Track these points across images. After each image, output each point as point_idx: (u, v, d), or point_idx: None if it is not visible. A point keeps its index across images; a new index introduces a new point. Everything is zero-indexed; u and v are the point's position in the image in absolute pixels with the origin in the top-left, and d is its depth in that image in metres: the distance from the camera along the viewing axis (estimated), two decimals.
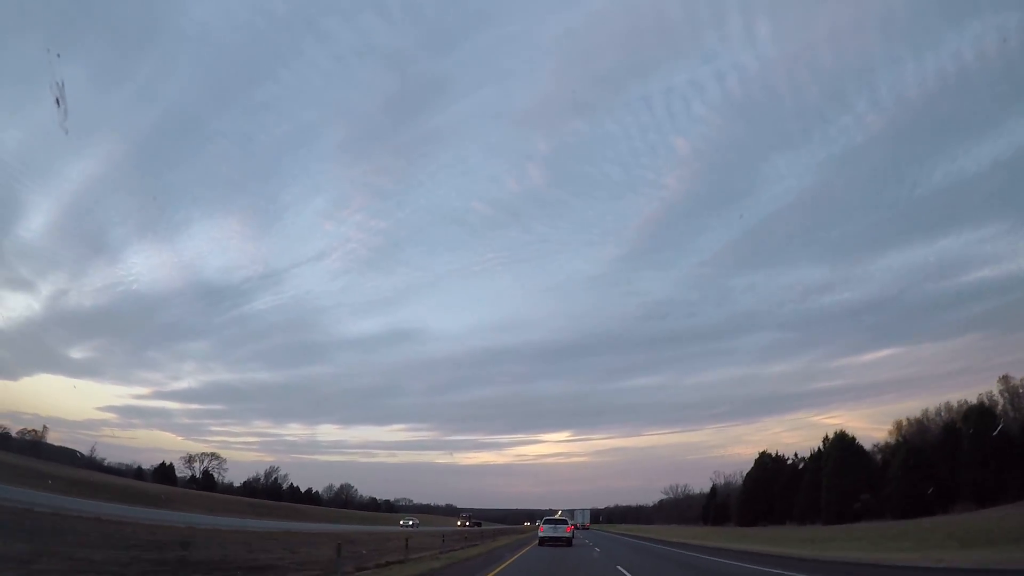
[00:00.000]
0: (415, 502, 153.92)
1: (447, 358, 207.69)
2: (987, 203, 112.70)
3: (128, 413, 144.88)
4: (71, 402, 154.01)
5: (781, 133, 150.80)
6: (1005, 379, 59.02)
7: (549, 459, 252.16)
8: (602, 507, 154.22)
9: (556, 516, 47.75)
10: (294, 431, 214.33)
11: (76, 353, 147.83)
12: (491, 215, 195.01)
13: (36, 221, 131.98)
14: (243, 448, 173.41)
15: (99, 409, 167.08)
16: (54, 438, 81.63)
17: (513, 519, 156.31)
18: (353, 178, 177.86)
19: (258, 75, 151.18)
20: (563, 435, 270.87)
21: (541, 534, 31.84)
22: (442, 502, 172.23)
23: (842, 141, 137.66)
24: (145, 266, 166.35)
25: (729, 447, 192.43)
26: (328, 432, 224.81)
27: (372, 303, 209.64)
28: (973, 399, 59.03)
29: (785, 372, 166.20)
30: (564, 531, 31.74)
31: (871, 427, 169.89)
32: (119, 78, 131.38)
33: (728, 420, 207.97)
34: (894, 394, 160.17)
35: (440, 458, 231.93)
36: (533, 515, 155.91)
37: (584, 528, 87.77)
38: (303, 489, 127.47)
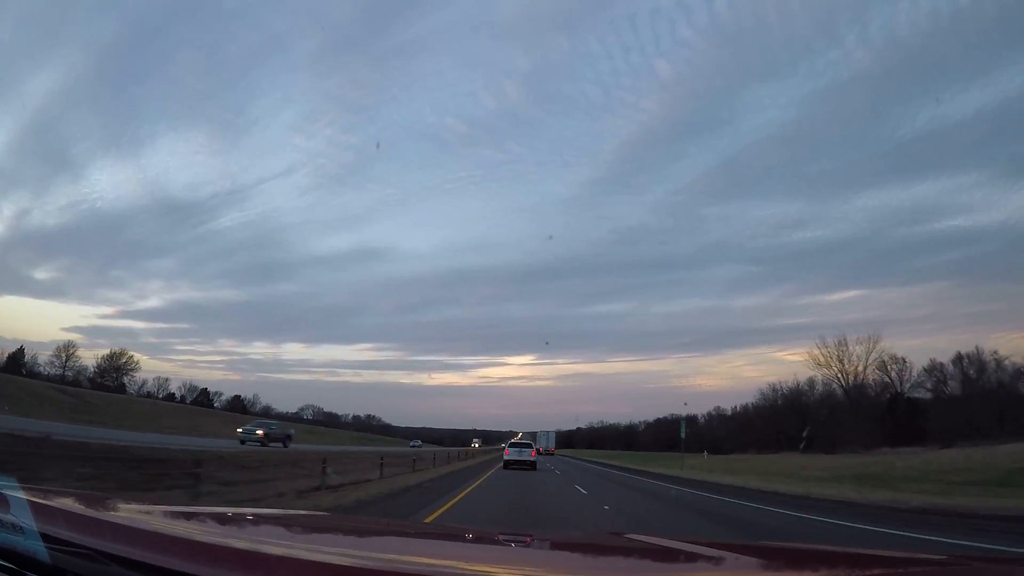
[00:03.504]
0: (382, 421, 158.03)
1: (415, 278, 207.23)
2: (967, 152, 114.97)
3: (94, 333, 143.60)
4: (36, 323, 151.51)
5: (767, 62, 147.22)
6: None
7: (513, 382, 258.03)
8: (566, 431, 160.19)
9: (519, 440, 49.46)
10: (260, 350, 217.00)
11: (40, 274, 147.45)
12: (466, 132, 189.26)
13: None
14: (208, 367, 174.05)
15: (64, 330, 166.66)
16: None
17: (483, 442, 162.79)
18: (325, 91, 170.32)
19: None
20: (527, 359, 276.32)
21: (506, 458, 32.52)
22: (407, 423, 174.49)
23: (828, 75, 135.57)
24: (109, 183, 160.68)
25: (691, 377, 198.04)
26: (294, 351, 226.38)
27: (341, 220, 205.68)
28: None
29: (752, 306, 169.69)
30: (529, 455, 32.51)
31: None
32: None
33: (692, 351, 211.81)
34: (859, 335, 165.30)
35: (405, 378, 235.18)
36: (499, 437, 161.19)
37: (548, 453, 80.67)
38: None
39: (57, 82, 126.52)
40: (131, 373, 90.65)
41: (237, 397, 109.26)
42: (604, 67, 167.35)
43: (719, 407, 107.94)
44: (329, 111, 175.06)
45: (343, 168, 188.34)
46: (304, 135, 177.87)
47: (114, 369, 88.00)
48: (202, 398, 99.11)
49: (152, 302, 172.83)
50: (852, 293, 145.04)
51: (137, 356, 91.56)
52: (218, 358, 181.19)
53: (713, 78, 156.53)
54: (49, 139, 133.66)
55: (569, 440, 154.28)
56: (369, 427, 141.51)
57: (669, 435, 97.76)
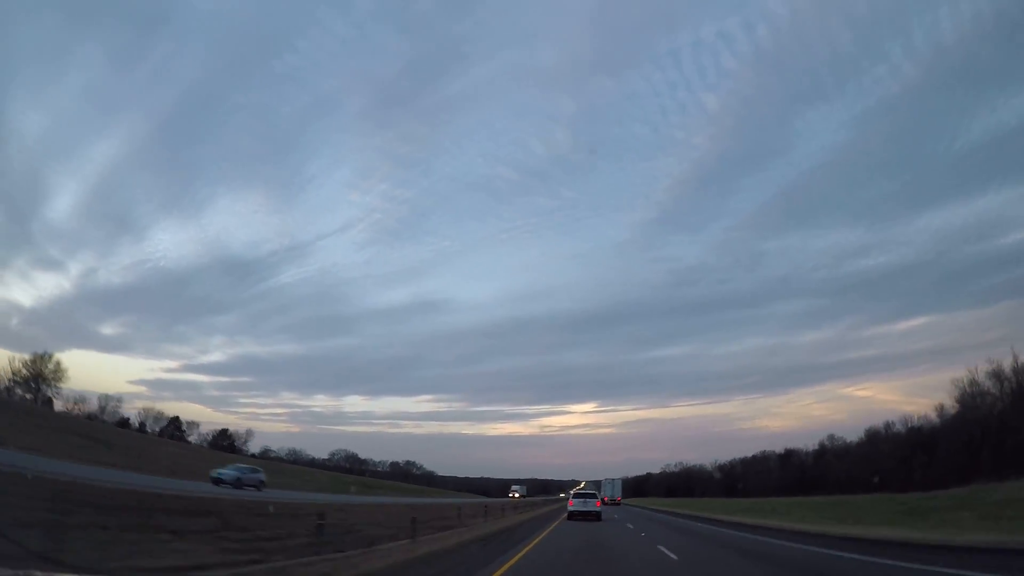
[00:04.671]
0: (424, 469, 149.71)
1: (473, 328, 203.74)
2: None
3: (158, 386, 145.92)
4: (103, 376, 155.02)
5: (814, 85, 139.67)
6: None
7: (575, 430, 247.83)
8: (633, 477, 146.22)
9: (582, 488, 47.03)
10: (321, 402, 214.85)
11: (107, 329, 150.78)
12: (517, 180, 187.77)
13: (63, 202, 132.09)
14: (271, 419, 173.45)
15: (130, 383, 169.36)
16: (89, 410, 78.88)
17: (540, 490, 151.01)
18: (376, 147, 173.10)
19: (275, 46, 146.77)
20: (589, 406, 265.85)
21: (570, 508, 31.12)
22: (469, 474, 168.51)
23: (877, 92, 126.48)
24: (172, 242, 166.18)
25: (757, 419, 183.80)
26: (355, 403, 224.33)
27: (398, 273, 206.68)
28: None
29: (816, 341, 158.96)
30: (594, 505, 31.00)
31: (903, 399, 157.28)
32: (136, 57, 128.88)
33: (757, 391, 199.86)
34: (928, 365, 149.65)
35: (466, 429, 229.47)
36: (560, 487, 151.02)
37: (614, 503, 67.79)
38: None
39: (119, 148, 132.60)
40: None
41: (224, 431, 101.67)
42: (651, 105, 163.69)
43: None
44: (382, 167, 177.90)
45: (398, 222, 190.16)
46: (359, 191, 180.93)
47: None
48: (173, 429, 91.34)
49: (215, 356, 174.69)
50: (919, 320, 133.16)
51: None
52: (280, 410, 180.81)
53: (761, 107, 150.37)
54: (113, 202, 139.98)
55: (639, 487, 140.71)
56: (407, 476, 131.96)
57: (758, 477, 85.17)
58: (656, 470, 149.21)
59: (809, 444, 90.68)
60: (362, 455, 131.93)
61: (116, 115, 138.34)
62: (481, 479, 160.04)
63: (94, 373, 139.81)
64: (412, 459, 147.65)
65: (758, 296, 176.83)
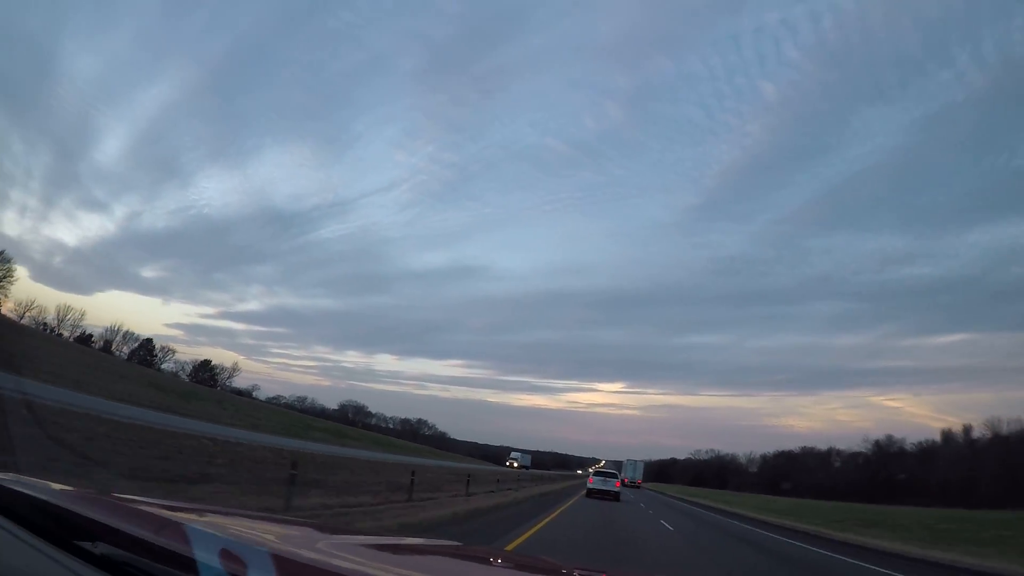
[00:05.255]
0: (453, 437, 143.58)
1: (508, 297, 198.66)
2: None
3: (194, 331, 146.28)
4: (139, 317, 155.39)
5: (875, 84, 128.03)
6: None
7: (600, 409, 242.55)
8: (656, 461, 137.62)
9: (603, 467, 45.35)
10: (352, 358, 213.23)
11: (147, 272, 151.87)
12: (566, 153, 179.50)
13: (111, 145, 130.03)
14: (302, 371, 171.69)
15: (167, 325, 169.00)
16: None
17: (559, 464, 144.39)
18: (426, 109, 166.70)
19: (332, 2, 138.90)
20: (617, 386, 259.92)
21: (590, 486, 30.62)
22: (489, 441, 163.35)
23: (940, 98, 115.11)
24: (216, 190, 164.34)
25: (783, 417, 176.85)
26: (385, 362, 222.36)
27: (438, 237, 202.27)
28: None
29: (851, 345, 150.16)
30: (613, 485, 30.41)
31: (932, 415, 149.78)
32: (192, 4, 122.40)
33: (786, 389, 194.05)
34: (961, 383, 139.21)
35: (492, 397, 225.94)
36: (580, 463, 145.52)
37: (634, 486, 62.41)
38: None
39: (170, 95, 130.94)
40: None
41: (206, 362, 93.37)
42: (707, 89, 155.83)
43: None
44: (430, 129, 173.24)
45: (443, 185, 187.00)
46: (406, 152, 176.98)
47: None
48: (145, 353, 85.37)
49: (252, 305, 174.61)
50: (958, 336, 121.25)
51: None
52: (312, 363, 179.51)
53: (819, 101, 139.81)
54: (161, 147, 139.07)
55: (662, 472, 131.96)
56: (415, 435, 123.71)
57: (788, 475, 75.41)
58: (681, 456, 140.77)
59: (841, 447, 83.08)
60: (373, 410, 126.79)
61: (168, 62, 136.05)
62: (501, 447, 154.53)
63: (132, 314, 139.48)
64: (429, 419, 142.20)
65: (797, 293, 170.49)
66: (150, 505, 1.45)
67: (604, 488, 29.59)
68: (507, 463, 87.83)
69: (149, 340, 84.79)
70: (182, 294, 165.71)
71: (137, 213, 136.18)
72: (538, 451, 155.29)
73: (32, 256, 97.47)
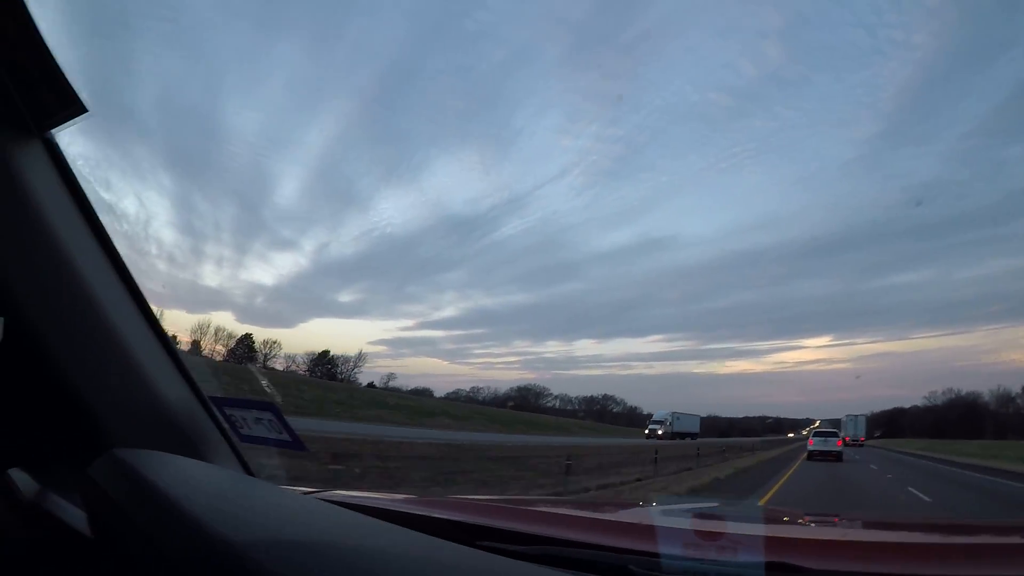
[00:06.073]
0: (627, 404, 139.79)
1: (700, 264, 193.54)
2: None
3: (397, 344, 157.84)
4: (345, 340, 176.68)
5: None
6: None
7: (809, 366, 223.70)
8: (879, 413, 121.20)
9: (819, 427, 44.33)
10: (553, 348, 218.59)
11: (344, 297, 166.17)
12: (731, 104, 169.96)
13: (289, 187, 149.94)
14: (505, 368, 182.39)
15: (370, 343, 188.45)
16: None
17: (770, 429, 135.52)
18: (581, 89, 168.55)
19: (463, 4, 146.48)
20: (823, 340, 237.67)
21: (810, 447, 30.20)
22: (702, 412, 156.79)
23: None
24: (395, 209, 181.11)
25: (1003, 352, 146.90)
26: (586, 347, 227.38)
27: (619, 214, 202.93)
28: None
29: None
30: (835, 445, 29.82)
31: None
32: (332, 42, 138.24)
33: (1004, 321, 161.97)
34: None
35: (698, 368, 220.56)
36: (793, 425, 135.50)
37: (857, 444, 57.25)
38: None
39: (333, 128, 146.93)
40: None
41: (324, 353, 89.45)
42: (863, 6, 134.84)
43: None
44: (590, 108, 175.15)
45: (614, 162, 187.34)
46: (570, 135, 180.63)
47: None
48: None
49: (448, 312, 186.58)
50: None
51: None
52: (514, 359, 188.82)
53: None
54: (335, 179, 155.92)
55: (889, 425, 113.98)
56: (601, 414, 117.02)
57: None
58: (907, 405, 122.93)
59: None
60: (556, 392, 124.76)
61: (324, 98, 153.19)
62: (704, 417, 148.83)
63: (337, 338, 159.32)
64: (617, 395, 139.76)
65: (1001, 211, 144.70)
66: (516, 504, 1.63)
67: (825, 449, 29.28)
68: (646, 432, 67.12)
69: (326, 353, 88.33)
70: (380, 311, 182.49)
71: (324, 244, 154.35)
72: (747, 416, 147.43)
73: (235, 301, 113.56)
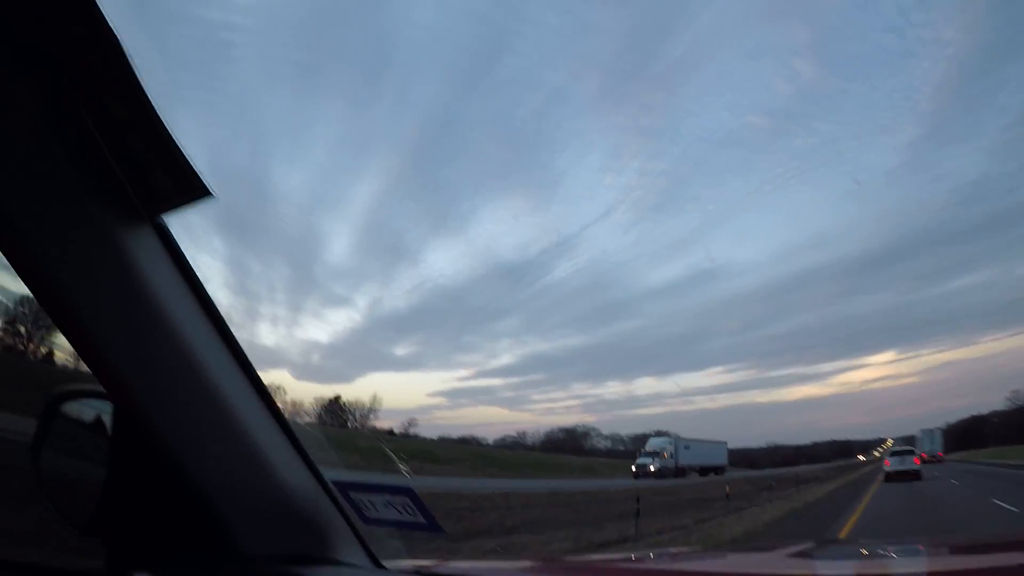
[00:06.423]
0: (733, 447, 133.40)
1: (754, 290, 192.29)
2: None
3: (455, 395, 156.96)
4: (403, 394, 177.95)
5: None
6: None
7: (875, 384, 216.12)
8: (955, 423, 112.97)
9: (892, 446, 43.74)
10: (612, 389, 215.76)
11: (400, 350, 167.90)
12: (769, 125, 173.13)
13: (339, 244, 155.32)
14: (565, 412, 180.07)
15: (428, 395, 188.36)
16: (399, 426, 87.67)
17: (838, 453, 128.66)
18: (619, 125, 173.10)
19: (493, 51, 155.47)
20: (887, 355, 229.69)
21: (887, 468, 29.26)
22: (763, 443, 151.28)
23: None
24: (445, 260, 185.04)
25: None
26: (646, 385, 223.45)
27: (668, 248, 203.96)
28: None
29: None
30: (912, 463, 28.75)
31: None
32: (372, 101, 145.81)
33: None
34: None
35: (761, 397, 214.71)
36: (865, 447, 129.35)
37: (935, 460, 51.86)
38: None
39: (379, 184, 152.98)
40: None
41: (335, 399, 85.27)
42: (888, 8, 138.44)
43: None
44: (630, 144, 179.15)
45: (658, 196, 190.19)
46: (612, 173, 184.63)
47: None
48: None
49: (504, 359, 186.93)
50: None
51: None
52: (574, 402, 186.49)
53: None
54: (384, 234, 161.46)
55: (967, 437, 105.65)
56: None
57: None
58: (984, 411, 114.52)
59: None
60: (606, 432, 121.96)
61: (369, 155, 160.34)
62: (766, 448, 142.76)
63: (395, 392, 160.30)
64: (672, 429, 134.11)
65: None
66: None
67: (903, 468, 28.25)
68: (633, 470, 49.94)
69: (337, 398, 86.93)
70: (437, 363, 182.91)
71: (378, 299, 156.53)
72: (816, 443, 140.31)
73: (292, 359, 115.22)
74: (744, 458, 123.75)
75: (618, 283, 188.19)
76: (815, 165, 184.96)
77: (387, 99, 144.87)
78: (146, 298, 0.91)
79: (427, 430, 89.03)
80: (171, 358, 0.94)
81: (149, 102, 0.79)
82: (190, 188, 0.88)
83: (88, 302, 0.88)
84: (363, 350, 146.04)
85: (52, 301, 0.87)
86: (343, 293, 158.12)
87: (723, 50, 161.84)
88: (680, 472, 51.49)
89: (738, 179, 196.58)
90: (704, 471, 54.96)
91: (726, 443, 68.97)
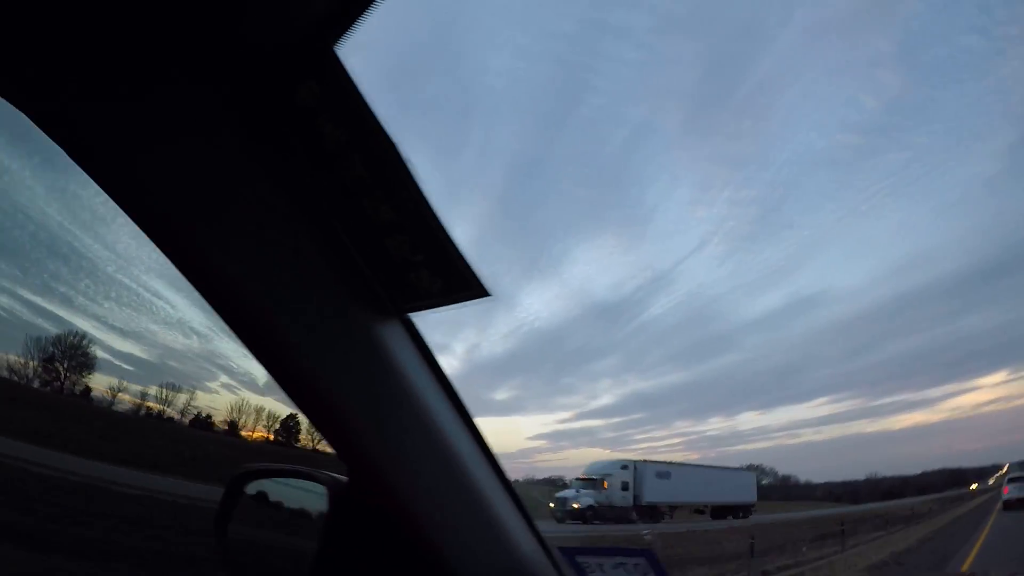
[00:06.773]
0: (835, 480, 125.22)
1: (856, 315, 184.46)
2: None
3: (556, 437, 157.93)
4: (505, 437, 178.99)
5: None
6: None
7: (987, 407, 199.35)
8: None
9: (1010, 472, 38.53)
10: (715, 425, 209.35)
11: (500, 395, 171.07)
12: (859, 143, 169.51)
13: None
14: (668, 450, 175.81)
15: (529, 439, 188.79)
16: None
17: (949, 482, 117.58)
18: (706, 156, 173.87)
19: (574, 92, 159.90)
20: (999, 376, 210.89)
21: (1005, 496, 28.97)
22: (867, 473, 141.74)
23: None
24: (540, 303, 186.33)
25: None
26: (749, 420, 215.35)
27: (765, 277, 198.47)
28: None
29: None
30: None
31: None
32: (458, 150, 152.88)
33: None
34: None
35: (868, 427, 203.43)
36: (980, 475, 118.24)
37: None
38: None
39: (470, 231, 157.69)
40: None
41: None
42: (970, 8, 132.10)
43: None
44: (719, 174, 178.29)
45: (751, 224, 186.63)
46: (703, 205, 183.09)
47: None
48: None
49: (604, 400, 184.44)
50: None
51: None
52: (676, 440, 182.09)
53: None
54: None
55: None
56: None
57: None
58: None
59: None
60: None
61: (459, 203, 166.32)
62: (867, 479, 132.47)
63: (498, 436, 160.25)
64: (767, 464, 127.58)
65: None
66: None
67: (1021, 496, 27.75)
68: (551, 506, 34.84)
69: None
70: (536, 406, 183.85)
71: (475, 345, 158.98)
72: (924, 472, 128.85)
73: None
74: (848, 491, 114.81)
75: (716, 316, 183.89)
76: (910, 180, 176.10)
77: (474, 147, 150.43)
78: (394, 384, 1.00)
79: (529, 473, 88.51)
80: (414, 430, 1.01)
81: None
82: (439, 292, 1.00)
83: (347, 391, 0.94)
84: (464, 396, 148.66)
85: (300, 385, 0.91)
86: (441, 340, 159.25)
87: (804, 70, 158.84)
88: (649, 512, 36.52)
89: (831, 201, 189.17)
90: (718, 512, 42.41)
91: (754, 474, 55.96)
